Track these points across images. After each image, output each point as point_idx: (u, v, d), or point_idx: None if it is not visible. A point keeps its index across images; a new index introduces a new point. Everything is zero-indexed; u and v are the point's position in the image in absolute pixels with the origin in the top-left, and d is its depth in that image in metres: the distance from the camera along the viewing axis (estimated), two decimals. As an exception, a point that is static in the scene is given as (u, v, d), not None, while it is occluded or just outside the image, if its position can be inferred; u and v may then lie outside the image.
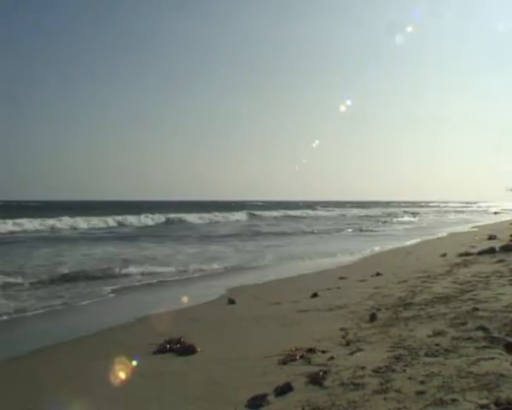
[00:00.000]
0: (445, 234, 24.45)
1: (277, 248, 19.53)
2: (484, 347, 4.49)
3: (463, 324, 5.37)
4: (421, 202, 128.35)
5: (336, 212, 63.43)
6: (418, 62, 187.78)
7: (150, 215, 41.56)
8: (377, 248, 18.05)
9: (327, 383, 4.03)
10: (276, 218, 51.66)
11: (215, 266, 13.63)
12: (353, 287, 9.15)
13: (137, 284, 11.22)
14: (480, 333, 4.92)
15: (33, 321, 7.97)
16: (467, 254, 12.46)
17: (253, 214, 52.71)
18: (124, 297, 9.88)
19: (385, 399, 3.57)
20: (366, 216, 55.21)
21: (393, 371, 4.11)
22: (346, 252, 17.16)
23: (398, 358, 4.43)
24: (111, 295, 9.91)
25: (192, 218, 42.71)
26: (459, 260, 11.60)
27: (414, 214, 57.51)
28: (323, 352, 4.91)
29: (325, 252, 17.29)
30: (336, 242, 22.85)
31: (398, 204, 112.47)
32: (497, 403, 3.26)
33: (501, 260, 10.41)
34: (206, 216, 44.93)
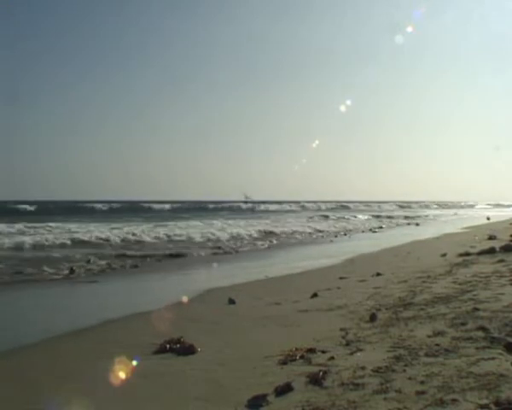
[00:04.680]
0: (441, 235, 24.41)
1: None
2: (484, 347, 4.49)
3: (463, 324, 5.37)
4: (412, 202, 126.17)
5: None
6: (418, 62, 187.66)
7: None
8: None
9: (327, 383, 4.04)
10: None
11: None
12: (353, 287, 9.15)
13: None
14: (480, 333, 4.92)
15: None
16: (467, 254, 12.45)
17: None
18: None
19: (385, 399, 3.57)
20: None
21: (393, 371, 4.11)
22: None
23: (398, 358, 4.44)
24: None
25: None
26: (459, 260, 11.58)
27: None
28: (323, 352, 4.92)
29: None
30: None
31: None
32: (497, 403, 3.27)
33: (501, 260, 10.41)
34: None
